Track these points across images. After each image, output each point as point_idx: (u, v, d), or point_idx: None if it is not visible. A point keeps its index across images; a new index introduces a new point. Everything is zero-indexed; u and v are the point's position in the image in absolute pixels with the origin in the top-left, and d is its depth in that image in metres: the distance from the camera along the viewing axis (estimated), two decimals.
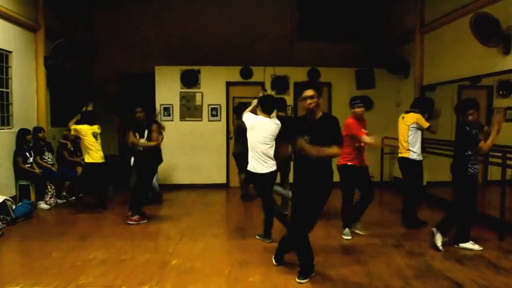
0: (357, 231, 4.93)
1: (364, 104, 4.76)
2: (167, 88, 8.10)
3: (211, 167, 8.20)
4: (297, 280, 3.52)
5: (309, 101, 3.38)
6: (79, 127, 6.04)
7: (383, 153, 8.06)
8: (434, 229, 4.39)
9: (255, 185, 4.82)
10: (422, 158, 5.12)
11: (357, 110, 4.66)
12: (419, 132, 5.06)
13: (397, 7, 8.32)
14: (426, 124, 4.93)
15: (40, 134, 6.61)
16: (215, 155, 8.21)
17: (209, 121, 8.24)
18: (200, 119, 8.13)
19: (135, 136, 5.49)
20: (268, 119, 4.41)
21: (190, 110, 8.21)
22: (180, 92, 8.19)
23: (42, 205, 6.18)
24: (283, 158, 4.82)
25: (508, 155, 4.77)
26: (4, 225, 5.11)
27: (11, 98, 6.30)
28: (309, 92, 3.38)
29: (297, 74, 8.30)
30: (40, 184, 6.25)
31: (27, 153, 6.24)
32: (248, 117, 4.47)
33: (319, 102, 3.41)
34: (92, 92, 5.88)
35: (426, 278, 3.59)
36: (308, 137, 3.35)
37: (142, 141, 5.47)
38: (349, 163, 4.67)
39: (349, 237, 4.76)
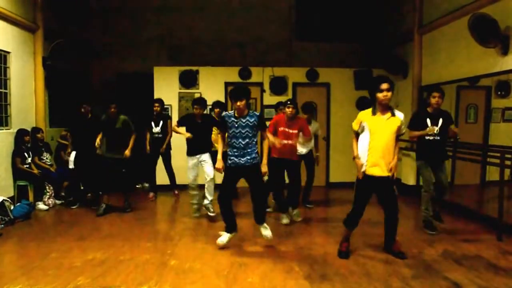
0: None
1: (293, 106, 5.29)
2: (166, 89, 8.10)
3: None
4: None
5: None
6: None
7: None
8: None
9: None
10: None
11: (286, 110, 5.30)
12: None
13: (395, 8, 8.33)
14: None
15: (39, 135, 6.61)
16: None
17: None
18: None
19: None
20: None
21: (189, 111, 8.19)
22: (179, 92, 8.19)
23: (41, 205, 6.18)
24: None
25: (507, 156, 4.78)
26: (2, 225, 5.11)
27: (10, 98, 6.30)
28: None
29: (296, 75, 8.31)
30: (38, 184, 6.25)
31: (25, 154, 6.23)
32: None
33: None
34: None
35: (424, 278, 3.59)
36: None
37: None
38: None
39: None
